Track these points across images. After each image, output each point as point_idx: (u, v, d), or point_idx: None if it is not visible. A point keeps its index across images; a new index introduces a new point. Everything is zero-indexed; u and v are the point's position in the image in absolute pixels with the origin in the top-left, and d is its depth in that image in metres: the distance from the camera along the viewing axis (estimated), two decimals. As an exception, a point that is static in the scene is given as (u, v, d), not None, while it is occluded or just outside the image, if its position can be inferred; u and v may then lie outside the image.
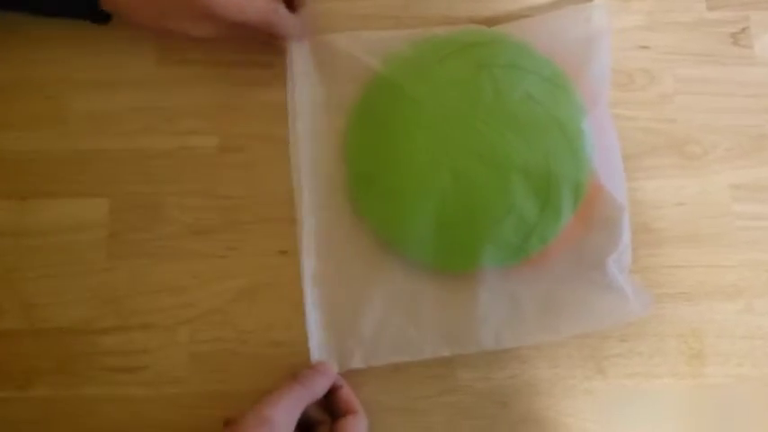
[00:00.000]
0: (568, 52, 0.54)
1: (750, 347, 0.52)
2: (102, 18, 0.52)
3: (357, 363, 0.48)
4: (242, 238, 0.53)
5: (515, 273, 0.50)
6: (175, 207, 0.53)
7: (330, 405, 0.48)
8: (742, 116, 0.56)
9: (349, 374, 0.49)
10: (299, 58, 0.53)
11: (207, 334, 0.51)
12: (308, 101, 0.53)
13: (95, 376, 0.50)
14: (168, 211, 0.53)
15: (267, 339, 0.51)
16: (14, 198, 0.53)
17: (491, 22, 0.56)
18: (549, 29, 0.55)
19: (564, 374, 0.51)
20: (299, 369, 0.47)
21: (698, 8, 0.58)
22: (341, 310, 0.50)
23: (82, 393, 0.50)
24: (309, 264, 0.50)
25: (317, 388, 0.47)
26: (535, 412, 0.50)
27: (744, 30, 0.58)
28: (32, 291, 0.51)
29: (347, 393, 0.48)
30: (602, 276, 0.50)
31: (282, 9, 0.51)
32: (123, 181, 0.53)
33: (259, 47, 0.55)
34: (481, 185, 0.49)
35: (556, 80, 0.52)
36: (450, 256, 0.49)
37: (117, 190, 0.53)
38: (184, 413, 0.50)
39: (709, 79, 0.57)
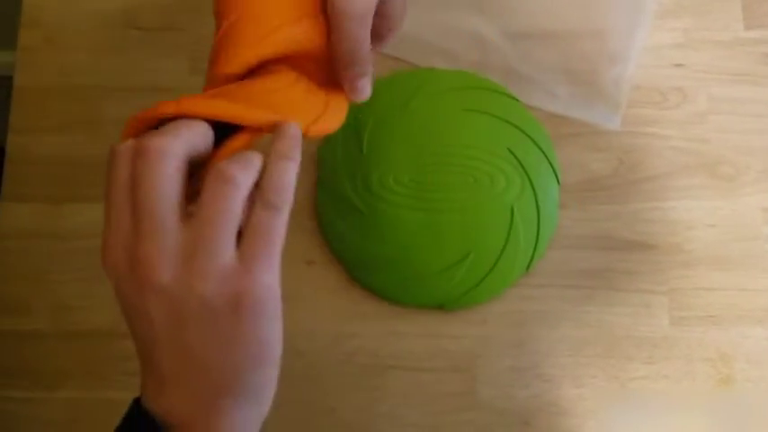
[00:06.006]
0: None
1: (781, 374, 0.51)
2: None
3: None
4: (268, 247, 0.53)
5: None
6: (204, 214, 0.54)
7: None
8: (777, 138, 0.55)
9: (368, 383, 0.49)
10: None
11: (231, 342, 0.51)
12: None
13: (121, 380, 0.51)
14: (197, 218, 0.54)
15: (289, 348, 0.51)
16: (48, 202, 0.54)
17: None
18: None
19: (588, 395, 0.51)
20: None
21: (735, 27, 0.57)
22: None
23: (107, 396, 0.51)
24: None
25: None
26: (557, 433, 0.50)
27: (781, 49, 0.57)
28: (62, 293, 0.52)
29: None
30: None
31: None
32: (154, 187, 0.54)
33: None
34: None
35: (540, 143, 0.53)
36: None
37: (147, 196, 0.54)
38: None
39: (743, 99, 0.56)
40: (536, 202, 0.52)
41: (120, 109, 0.55)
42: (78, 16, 0.57)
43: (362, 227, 0.51)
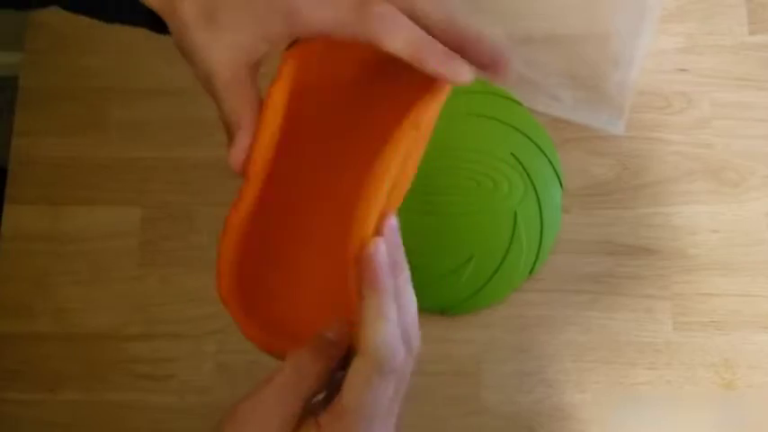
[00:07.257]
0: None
1: (784, 380, 0.51)
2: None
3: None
4: (271, 250, 0.53)
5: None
6: (207, 217, 0.54)
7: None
8: (781, 143, 0.55)
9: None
10: None
11: (233, 345, 0.51)
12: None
13: (123, 382, 0.51)
14: (200, 221, 0.54)
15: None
16: (49, 204, 0.54)
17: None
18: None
19: (591, 400, 0.50)
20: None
21: (739, 32, 0.57)
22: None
23: (109, 399, 0.51)
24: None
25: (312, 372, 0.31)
26: (561, 438, 0.50)
27: (786, 55, 0.57)
28: (64, 295, 0.52)
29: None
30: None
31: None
32: (157, 190, 0.54)
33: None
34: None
35: (544, 148, 0.53)
36: None
37: (150, 199, 0.54)
38: (207, 423, 0.50)
39: (748, 104, 0.56)
40: (539, 206, 0.52)
41: (125, 112, 0.55)
42: (85, 18, 0.57)
43: None
